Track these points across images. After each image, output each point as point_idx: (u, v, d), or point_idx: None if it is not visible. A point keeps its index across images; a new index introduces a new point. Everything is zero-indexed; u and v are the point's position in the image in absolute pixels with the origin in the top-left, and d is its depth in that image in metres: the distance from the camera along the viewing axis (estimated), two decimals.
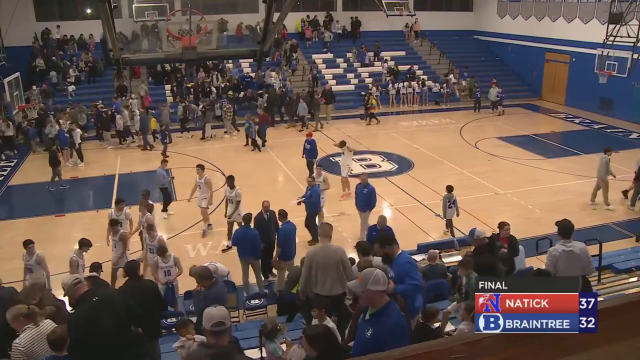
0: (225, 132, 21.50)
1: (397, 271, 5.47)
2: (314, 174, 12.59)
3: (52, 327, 4.58)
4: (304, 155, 15.47)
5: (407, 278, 5.41)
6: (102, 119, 20.06)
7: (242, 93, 24.40)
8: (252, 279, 9.61)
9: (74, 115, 20.10)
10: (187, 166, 15.82)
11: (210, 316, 3.59)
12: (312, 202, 11.26)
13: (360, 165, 17.27)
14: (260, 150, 19.07)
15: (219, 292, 6.37)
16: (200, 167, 12.17)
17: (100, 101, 21.07)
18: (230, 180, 11.26)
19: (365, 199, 11.36)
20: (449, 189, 11.80)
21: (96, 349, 3.99)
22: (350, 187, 13.77)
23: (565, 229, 6.32)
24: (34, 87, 21.83)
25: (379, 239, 5.59)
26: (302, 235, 11.02)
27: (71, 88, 23.57)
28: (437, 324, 6.13)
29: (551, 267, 6.28)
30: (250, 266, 9.50)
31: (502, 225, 8.78)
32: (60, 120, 19.04)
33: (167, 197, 13.27)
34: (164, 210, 13.15)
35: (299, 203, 11.55)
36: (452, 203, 11.80)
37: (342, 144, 14.74)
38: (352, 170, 14.86)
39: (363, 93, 25.04)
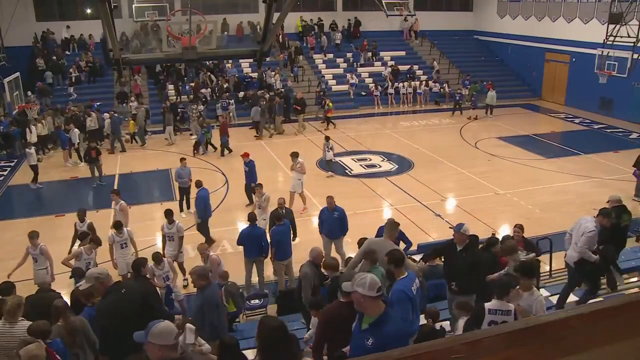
0: (190, 134, 20.91)
1: (391, 295, 5.18)
2: (256, 195, 11.55)
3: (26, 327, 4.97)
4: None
5: (394, 306, 4.99)
6: (73, 122, 19.37)
7: (242, 93, 24.42)
8: (254, 278, 9.64)
9: (52, 117, 19.78)
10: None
11: (171, 329, 3.36)
12: (199, 207, 11.15)
13: (361, 165, 17.30)
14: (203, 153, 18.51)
15: (214, 294, 6.35)
16: (115, 192, 11.02)
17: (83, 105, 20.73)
18: (168, 215, 9.85)
19: (338, 224, 10.00)
20: (327, 138, 15.88)
21: (119, 335, 4.41)
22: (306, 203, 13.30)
23: (604, 211, 7.39)
24: (29, 93, 21.64)
25: (391, 257, 5.39)
26: (300, 234, 11.01)
27: (72, 89, 23.56)
28: (438, 324, 6.14)
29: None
30: (254, 265, 9.53)
31: (515, 227, 8.32)
32: (43, 122, 18.85)
33: (186, 196, 13.27)
34: (188, 208, 13.16)
35: None
36: (330, 149, 15.70)
37: (294, 155, 13.36)
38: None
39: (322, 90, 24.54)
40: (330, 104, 22.29)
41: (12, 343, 4.89)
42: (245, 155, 13.56)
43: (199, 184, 11.35)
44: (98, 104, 21.38)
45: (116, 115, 19.70)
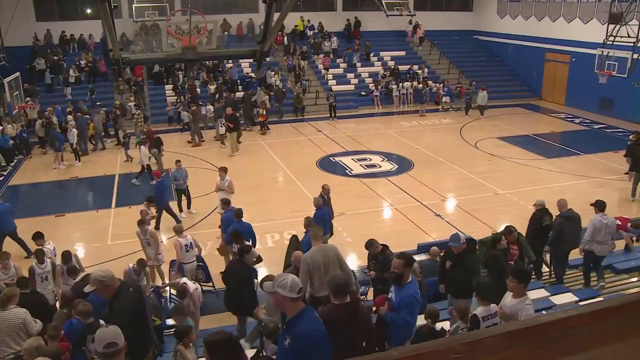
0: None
1: (401, 299, 5.10)
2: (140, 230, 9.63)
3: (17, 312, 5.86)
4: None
5: (404, 311, 5.05)
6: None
7: (242, 94, 24.38)
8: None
9: (15, 119, 19.50)
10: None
11: (103, 337, 3.38)
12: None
13: (361, 165, 17.29)
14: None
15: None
16: None
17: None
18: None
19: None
20: (229, 117, 18.37)
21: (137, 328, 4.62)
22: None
23: (602, 204, 8.73)
24: (28, 99, 21.50)
25: (406, 258, 5.35)
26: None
27: (69, 89, 23.50)
28: (439, 325, 6.14)
29: (589, 232, 8.63)
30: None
31: (509, 231, 8.10)
32: (10, 125, 18.63)
33: (186, 197, 13.29)
34: (188, 208, 13.20)
35: None
36: (222, 125, 18.65)
37: (222, 170, 12.29)
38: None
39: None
40: (262, 111, 21.90)
41: (4, 324, 5.70)
42: (156, 173, 12.85)
43: None
44: (62, 107, 20.75)
45: (84, 117, 19.26)
